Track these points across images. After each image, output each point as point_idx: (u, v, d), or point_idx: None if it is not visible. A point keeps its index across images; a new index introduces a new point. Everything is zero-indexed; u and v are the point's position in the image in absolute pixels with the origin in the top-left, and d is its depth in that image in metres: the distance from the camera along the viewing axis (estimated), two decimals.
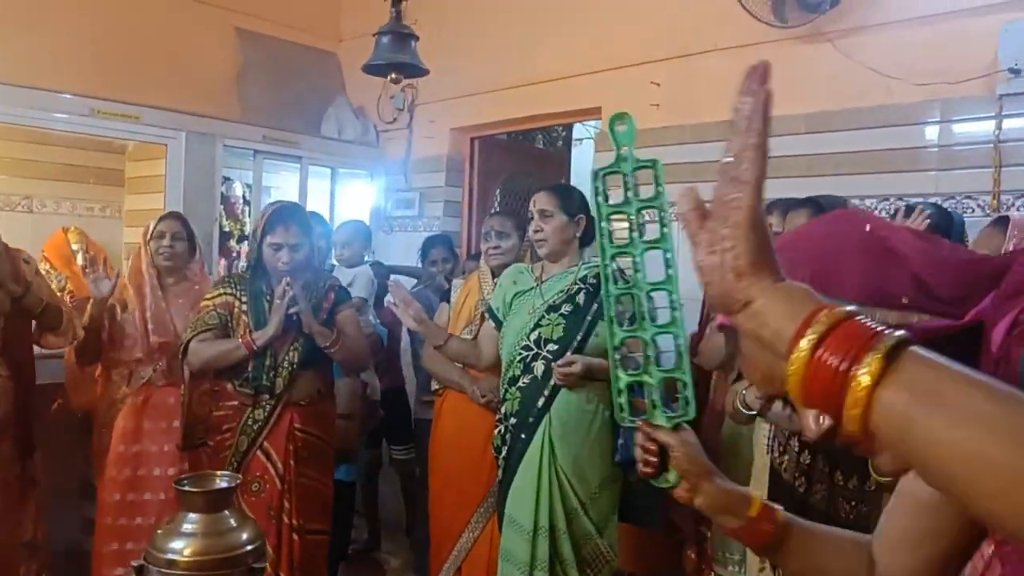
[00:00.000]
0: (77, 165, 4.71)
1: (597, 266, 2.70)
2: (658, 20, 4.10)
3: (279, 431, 2.90)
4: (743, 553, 2.87)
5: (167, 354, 3.17)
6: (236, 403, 2.93)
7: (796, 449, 2.16)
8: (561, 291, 2.70)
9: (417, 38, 3.37)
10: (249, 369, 2.91)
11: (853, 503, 2.02)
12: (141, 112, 4.15)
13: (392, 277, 2.79)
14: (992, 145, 3.13)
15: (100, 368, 3.37)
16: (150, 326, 3.19)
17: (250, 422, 2.89)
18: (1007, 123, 3.11)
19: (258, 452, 2.88)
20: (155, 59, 4.53)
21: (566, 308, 2.67)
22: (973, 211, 3.17)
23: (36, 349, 3.20)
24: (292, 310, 2.87)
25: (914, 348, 0.62)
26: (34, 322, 3.06)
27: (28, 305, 2.96)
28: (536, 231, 2.75)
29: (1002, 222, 1.82)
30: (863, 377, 0.60)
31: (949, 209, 2.89)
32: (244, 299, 2.99)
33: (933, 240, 0.95)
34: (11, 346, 2.96)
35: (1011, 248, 1.67)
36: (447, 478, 3.16)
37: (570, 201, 2.78)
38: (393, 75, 3.47)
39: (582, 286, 2.70)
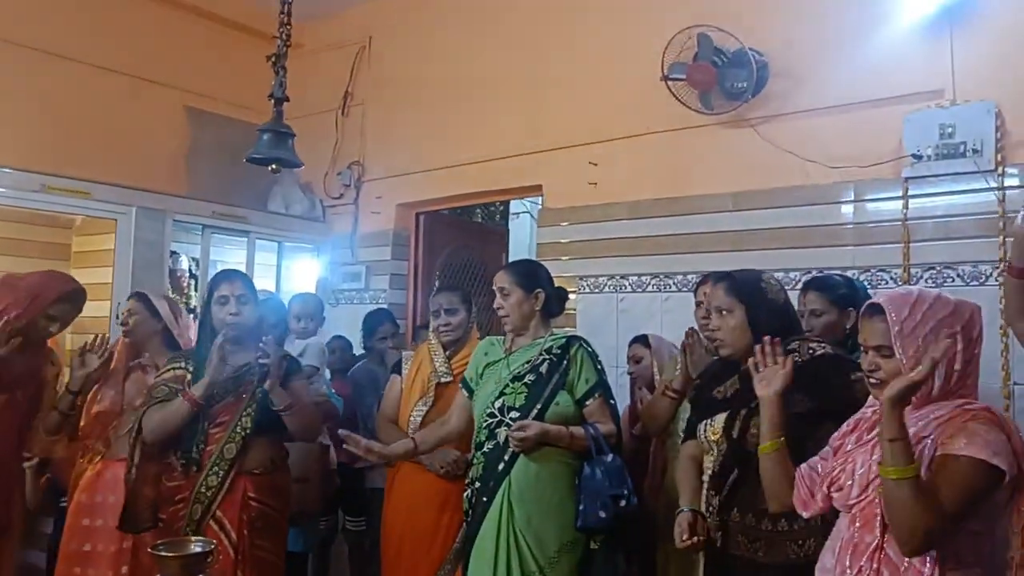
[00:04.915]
0: (21, 239, 4.71)
1: (562, 337, 2.86)
2: (595, 104, 4.37)
3: (233, 500, 2.90)
4: None
5: (106, 424, 3.20)
6: (183, 472, 2.94)
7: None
8: (527, 362, 2.82)
9: (294, 135, 3.68)
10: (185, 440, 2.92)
11: (747, 537, 2.24)
12: (92, 188, 4.21)
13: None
14: (901, 223, 3.42)
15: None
16: (99, 397, 3.22)
17: (203, 489, 2.88)
18: (913, 203, 3.41)
19: (211, 522, 2.88)
20: (106, 136, 4.62)
21: (529, 378, 2.77)
22: (887, 283, 3.43)
23: None
24: (264, 360, 2.91)
25: None
26: None
27: None
28: (498, 308, 2.90)
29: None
30: None
31: (857, 282, 3.14)
32: (192, 369, 3.02)
33: None
34: None
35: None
36: (401, 546, 3.20)
37: (526, 277, 2.91)
38: (273, 166, 3.77)
39: (546, 357, 2.81)
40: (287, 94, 3.63)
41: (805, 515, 1.96)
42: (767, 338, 2.14)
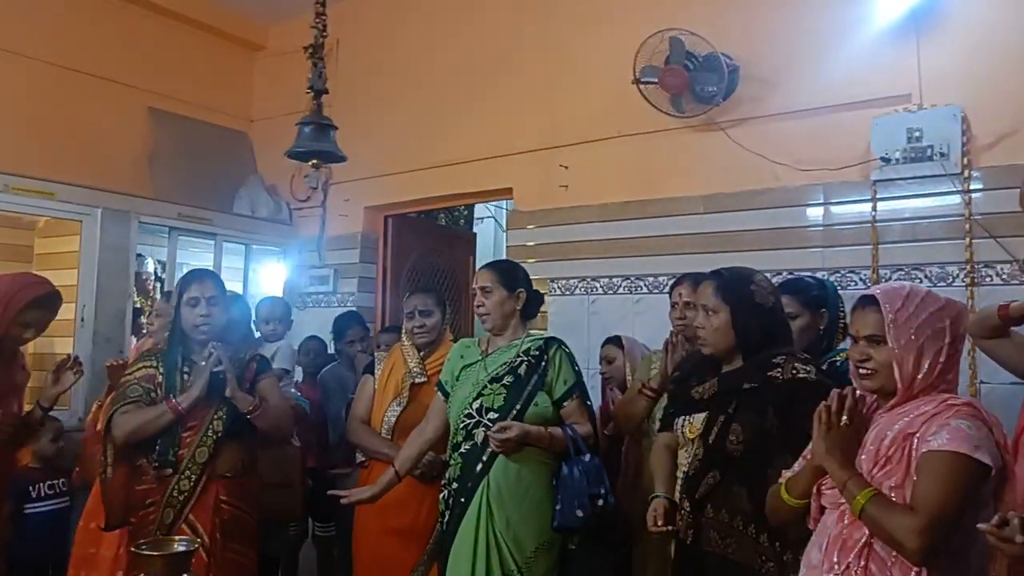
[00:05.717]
0: None
1: (540, 339, 2.85)
2: (566, 108, 4.39)
3: (205, 503, 2.86)
4: None
5: None
6: (156, 476, 2.90)
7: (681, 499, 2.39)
8: (504, 363, 2.80)
9: (336, 128, 3.61)
10: (158, 443, 2.87)
11: (720, 533, 2.23)
12: (56, 188, 4.14)
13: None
14: (870, 224, 3.48)
15: None
16: None
17: (175, 494, 2.84)
18: (881, 205, 3.48)
19: (184, 526, 2.83)
20: (70, 136, 4.55)
21: (508, 379, 2.76)
22: (856, 284, 3.49)
23: None
24: (218, 368, 2.87)
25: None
26: None
27: None
28: (479, 306, 2.88)
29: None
30: None
31: (827, 282, 3.14)
32: (162, 370, 2.97)
33: None
34: None
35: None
36: (375, 549, 3.17)
37: (509, 277, 2.90)
38: (314, 161, 3.69)
39: (524, 358, 2.80)
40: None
41: (812, 527, 1.96)
42: (835, 393, 1.88)
